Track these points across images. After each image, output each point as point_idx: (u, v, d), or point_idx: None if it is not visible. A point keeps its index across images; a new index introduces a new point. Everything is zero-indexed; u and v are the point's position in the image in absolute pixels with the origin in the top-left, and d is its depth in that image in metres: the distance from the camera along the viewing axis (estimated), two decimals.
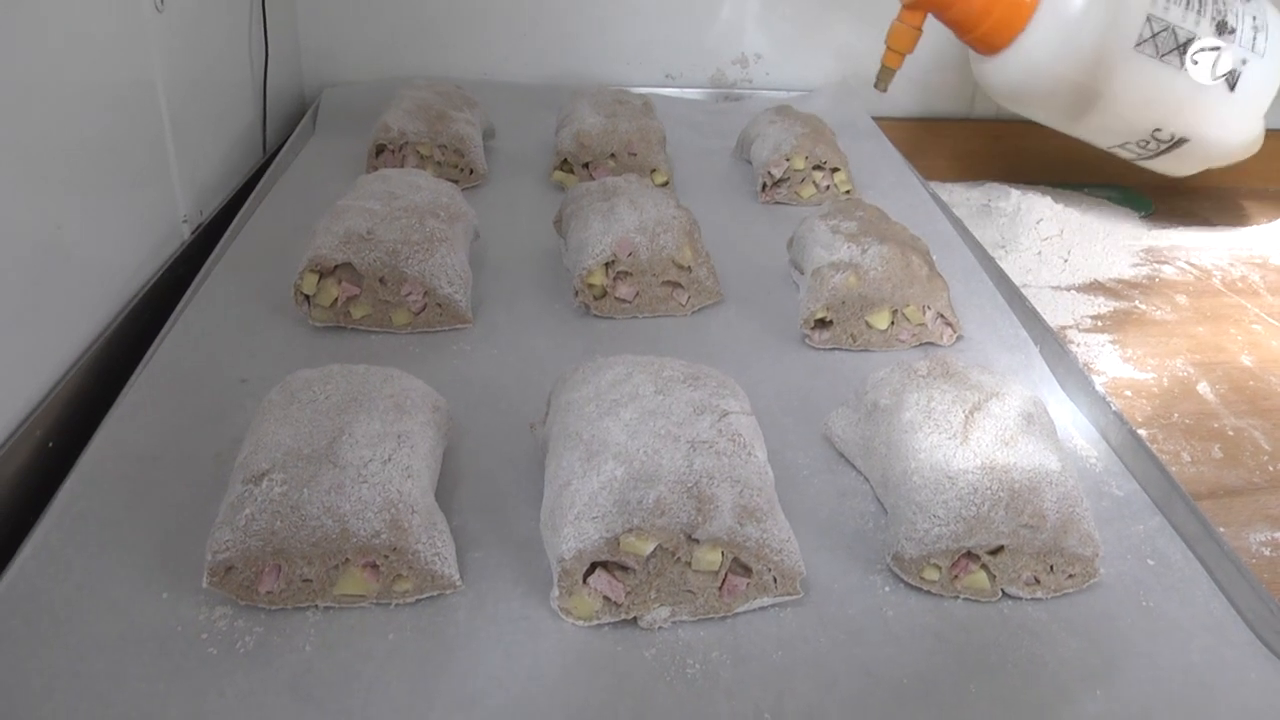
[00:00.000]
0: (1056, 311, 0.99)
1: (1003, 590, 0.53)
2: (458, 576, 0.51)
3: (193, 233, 0.88)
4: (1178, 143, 1.05)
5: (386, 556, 0.49)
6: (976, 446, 0.54)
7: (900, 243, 0.76)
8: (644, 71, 1.33)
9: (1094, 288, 1.05)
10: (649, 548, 0.49)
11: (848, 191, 1.03)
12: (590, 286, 0.77)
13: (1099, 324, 0.98)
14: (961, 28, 1.04)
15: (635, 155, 0.99)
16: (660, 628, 0.50)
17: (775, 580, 0.51)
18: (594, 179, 0.94)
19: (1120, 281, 1.07)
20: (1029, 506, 0.51)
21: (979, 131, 1.39)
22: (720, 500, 0.49)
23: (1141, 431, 0.71)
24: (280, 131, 1.15)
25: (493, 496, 0.58)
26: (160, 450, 0.59)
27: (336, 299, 0.72)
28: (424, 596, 0.50)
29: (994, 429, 0.55)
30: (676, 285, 0.79)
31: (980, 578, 0.53)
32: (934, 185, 1.14)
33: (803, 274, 0.81)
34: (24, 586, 0.49)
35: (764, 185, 1.02)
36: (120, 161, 0.75)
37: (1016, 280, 0.89)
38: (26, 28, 0.62)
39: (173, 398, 0.64)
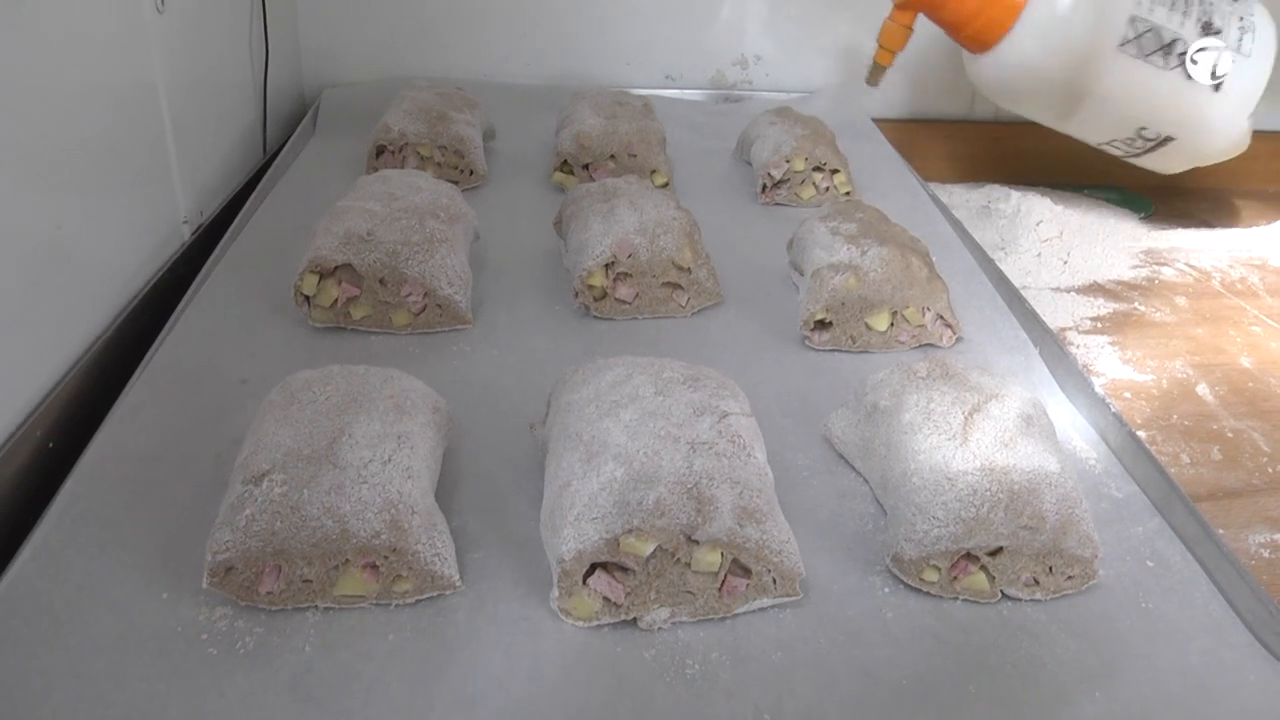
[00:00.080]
0: (1056, 313, 0.99)
1: (1002, 591, 0.53)
2: (458, 577, 0.51)
3: (193, 233, 0.88)
4: (1164, 141, 1.06)
5: (386, 557, 0.49)
6: (976, 448, 0.54)
7: (900, 244, 0.76)
8: (644, 73, 1.33)
9: (1093, 289, 1.06)
10: (649, 549, 0.49)
11: (847, 193, 1.03)
12: (590, 288, 0.77)
13: (1098, 326, 0.98)
14: (952, 26, 1.06)
15: (635, 156, 1.00)
16: (660, 628, 0.50)
17: (775, 581, 0.51)
18: (594, 180, 0.94)
19: (1120, 283, 1.07)
20: (1028, 508, 0.51)
21: (978, 133, 1.39)
22: (720, 501, 0.49)
23: (1141, 433, 0.71)
24: (280, 132, 1.16)
25: (493, 497, 0.58)
26: (160, 451, 0.59)
27: (336, 300, 0.72)
28: (424, 597, 0.50)
29: (993, 430, 0.55)
30: (676, 286, 0.79)
31: (979, 579, 0.53)
32: (933, 187, 1.14)
33: (802, 275, 0.81)
34: (24, 587, 0.49)
35: (764, 187, 1.02)
36: (121, 162, 0.76)
37: (1016, 282, 0.89)
38: (27, 28, 0.62)
39: (173, 398, 0.64)
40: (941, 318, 0.76)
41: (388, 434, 0.52)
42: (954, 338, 0.77)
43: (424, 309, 0.73)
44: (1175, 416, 0.82)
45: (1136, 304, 1.03)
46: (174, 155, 0.84)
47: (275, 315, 0.74)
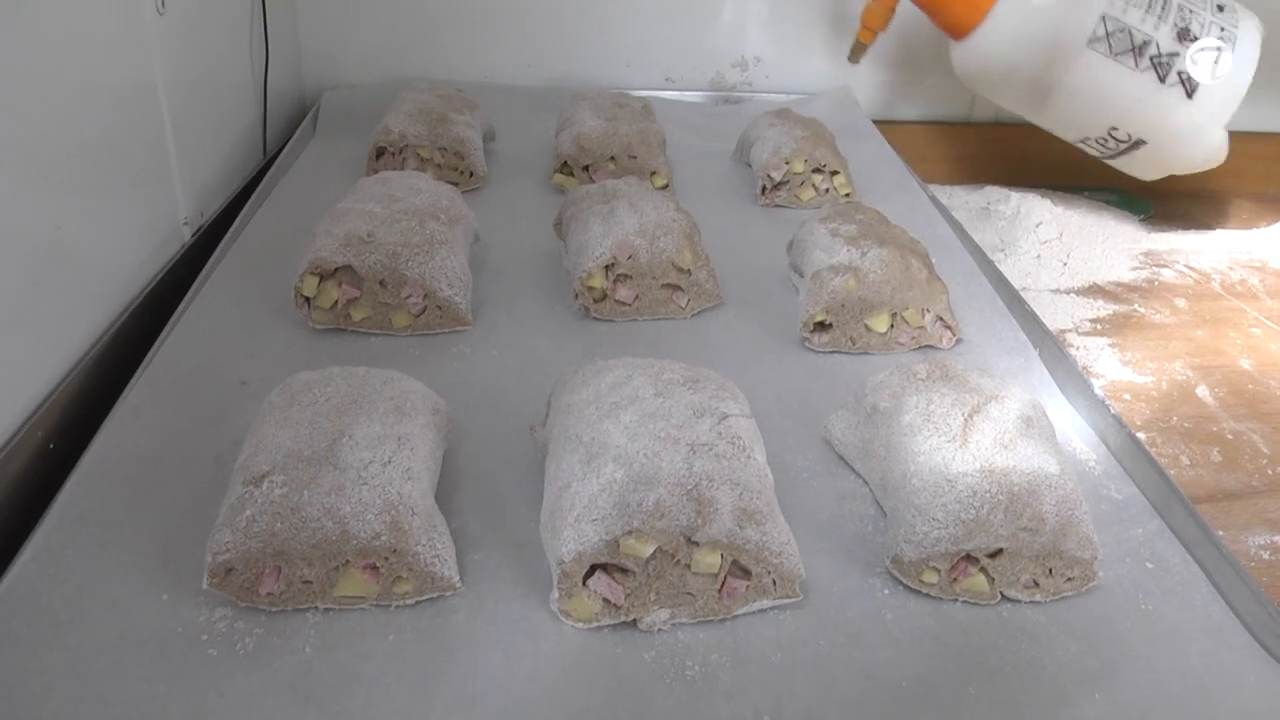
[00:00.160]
0: (1056, 315, 0.99)
1: (1001, 593, 0.53)
2: (457, 578, 0.51)
3: (193, 234, 0.88)
4: (1136, 144, 1.07)
5: (386, 558, 0.49)
6: (976, 450, 0.54)
7: (900, 246, 0.76)
8: (644, 74, 1.33)
9: (1093, 291, 1.06)
10: (648, 550, 0.49)
11: (847, 195, 1.03)
12: (590, 289, 0.77)
13: (1098, 327, 0.98)
14: (932, 10, 1.08)
15: (635, 158, 1.00)
16: (660, 630, 0.50)
17: (774, 583, 0.51)
18: (594, 182, 0.94)
19: (1119, 285, 1.08)
20: (1028, 509, 0.51)
21: (978, 135, 1.40)
22: (720, 503, 0.49)
23: (1140, 435, 0.71)
24: (281, 134, 1.16)
25: (492, 498, 0.58)
26: (161, 452, 0.59)
27: (337, 301, 0.72)
28: (424, 598, 0.50)
29: (993, 432, 0.55)
30: (676, 288, 0.79)
31: (979, 580, 0.53)
32: (933, 188, 1.14)
33: (802, 277, 0.81)
34: (24, 588, 0.49)
35: (764, 188, 1.02)
36: (121, 163, 0.76)
37: (1016, 283, 0.89)
38: (27, 28, 0.62)
39: (173, 400, 0.64)
40: (941, 319, 0.76)
41: (388, 435, 0.52)
42: (954, 339, 0.77)
43: (424, 310, 0.73)
44: (1175, 418, 0.82)
45: (1136, 306, 1.03)
46: (174, 156, 0.84)
47: (275, 317, 0.74)
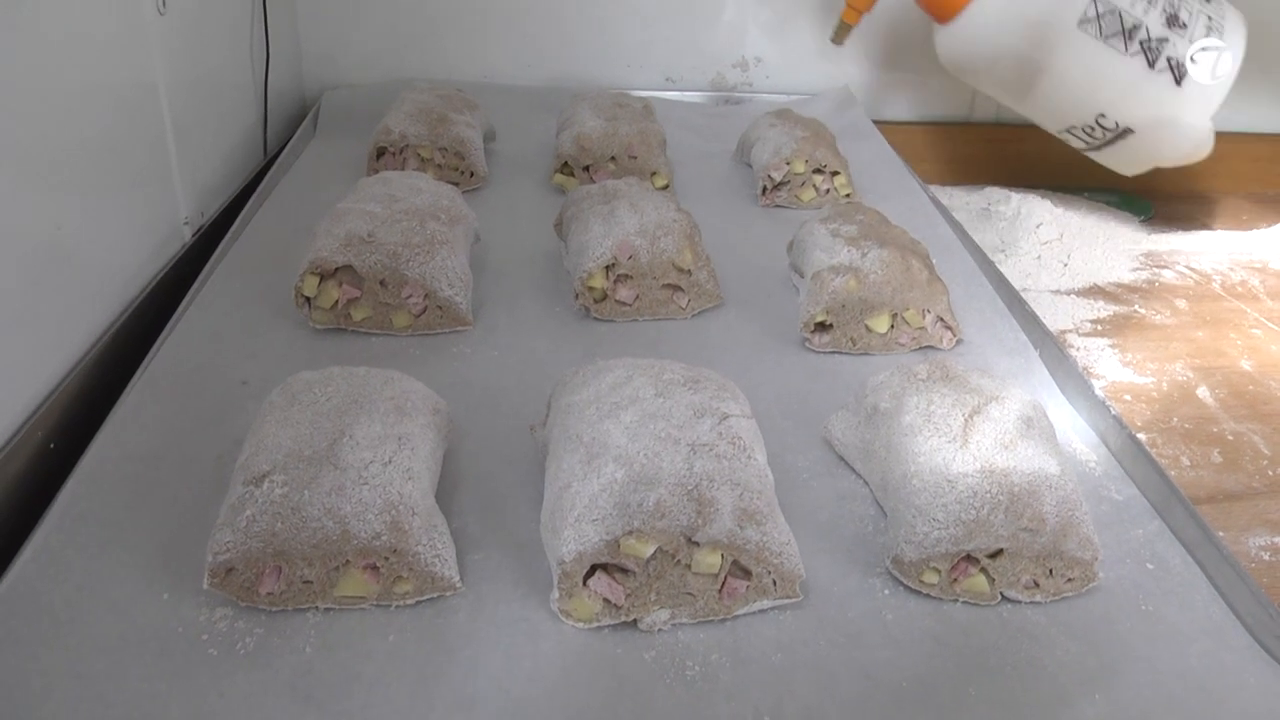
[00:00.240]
0: (1056, 315, 0.99)
1: (1002, 594, 0.53)
2: (458, 578, 0.51)
3: (194, 234, 0.88)
4: (1123, 133, 1.06)
5: (387, 558, 0.49)
6: (976, 450, 0.54)
7: (900, 246, 0.76)
8: (644, 74, 1.33)
9: (1093, 292, 1.06)
10: (649, 550, 0.49)
11: (848, 195, 1.03)
12: (590, 289, 0.77)
13: (1098, 328, 0.98)
14: None
15: (635, 158, 1.00)
16: (660, 630, 0.50)
17: (775, 583, 0.51)
18: (594, 182, 0.94)
19: (1120, 286, 1.08)
20: (1028, 510, 0.51)
21: (979, 136, 1.40)
22: (720, 503, 0.49)
23: (1141, 436, 0.71)
24: (281, 134, 1.16)
25: (493, 499, 0.58)
26: (161, 452, 0.59)
27: (337, 301, 0.72)
28: (424, 598, 0.50)
29: (993, 433, 0.55)
30: (676, 288, 0.79)
31: (979, 581, 0.53)
32: (934, 189, 1.14)
33: (802, 277, 0.81)
34: (24, 587, 0.49)
35: (764, 189, 1.02)
36: (122, 163, 0.76)
37: (1016, 284, 0.89)
38: (28, 28, 0.62)
39: (174, 399, 0.64)
40: (941, 320, 0.76)
41: (388, 435, 0.52)
42: (954, 340, 0.77)
43: (424, 310, 0.73)
44: (1175, 419, 0.82)
45: (1137, 306, 1.03)
46: (175, 156, 0.84)
47: (276, 316, 0.74)
